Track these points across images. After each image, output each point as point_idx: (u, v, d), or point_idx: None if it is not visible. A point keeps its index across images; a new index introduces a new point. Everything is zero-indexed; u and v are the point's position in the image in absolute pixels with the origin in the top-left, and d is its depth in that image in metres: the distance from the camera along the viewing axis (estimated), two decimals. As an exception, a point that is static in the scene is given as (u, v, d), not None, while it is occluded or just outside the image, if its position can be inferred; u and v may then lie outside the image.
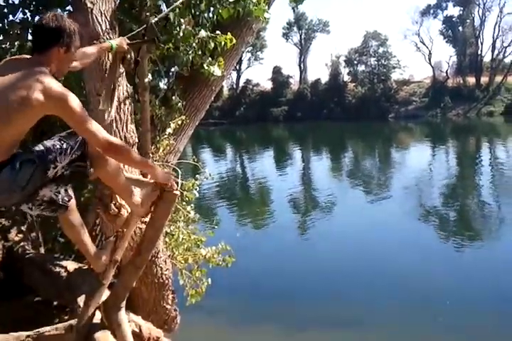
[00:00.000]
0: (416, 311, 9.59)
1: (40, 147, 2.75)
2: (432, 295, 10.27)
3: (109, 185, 3.18)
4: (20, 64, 2.62)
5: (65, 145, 2.80)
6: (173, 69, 6.25)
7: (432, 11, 64.56)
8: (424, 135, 46.07)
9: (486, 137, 41.66)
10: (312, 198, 21.26)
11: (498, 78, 61.06)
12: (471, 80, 62.29)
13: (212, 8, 4.90)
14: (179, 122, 5.79)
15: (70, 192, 3.01)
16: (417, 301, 10.02)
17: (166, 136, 5.65)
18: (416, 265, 12.00)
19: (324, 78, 65.68)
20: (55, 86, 2.51)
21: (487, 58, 64.68)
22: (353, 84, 64.25)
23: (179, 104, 5.82)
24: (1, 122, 2.50)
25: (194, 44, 4.85)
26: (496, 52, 63.41)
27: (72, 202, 3.05)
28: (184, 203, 5.89)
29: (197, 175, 6.40)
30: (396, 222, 16.14)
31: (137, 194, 3.20)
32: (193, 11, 4.78)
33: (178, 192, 3.17)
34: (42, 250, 5.98)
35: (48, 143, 2.78)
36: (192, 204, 5.98)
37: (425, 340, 8.73)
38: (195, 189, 6.01)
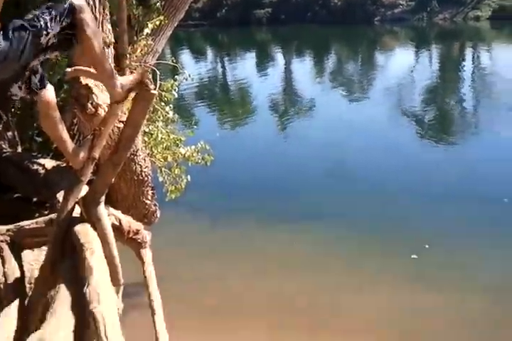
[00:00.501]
0: (394, 207, 9.97)
1: (29, 16, 2.70)
2: (407, 192, 10.65)
3: (93, 59, 3.08)
4: None
5: (54, 12, 2.73)
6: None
7: None
8: (409, 39, 45.27)
9: (470, 42, 41.05)
10: (293, 100, 21.22)
11: (488, -19, 59.15)
12: (459, -16, 60.28)
13: None
14: (157, 22, 5.66)
15: (46, 81, 2.98)
16: (394, 198, 10.38)
17: (143, 37, 5.55)
18: (393, 164, 12.35)
19: (309, -22, 63.01)
20: None
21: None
22: (339, -15, 61.83)
23: (157, 3, 5.66)
24: None
25: None
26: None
27: (50, 94, 3.04)
28: (163, 103, 5.88)
29: (176, 76, 6.34)
30: (375, 123, 16.30)
31: (118, 77, 3.17)
32: None
33: (155, 92, 3.16)
34: (19, 149, 6.00)
35: (37, 11, 2.73)
36: (171, 105, 5.98)
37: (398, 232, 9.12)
38: (174, 89, 5.97)
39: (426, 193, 10.51)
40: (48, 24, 2.67)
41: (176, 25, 6.40)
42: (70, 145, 3.31)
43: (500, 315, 6.95)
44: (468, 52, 36.17)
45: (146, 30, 5.60)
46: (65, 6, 2.74)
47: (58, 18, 2.71)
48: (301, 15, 57.56)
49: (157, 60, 6.41)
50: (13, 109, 6.25)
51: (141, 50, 5.68)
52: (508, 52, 32.65)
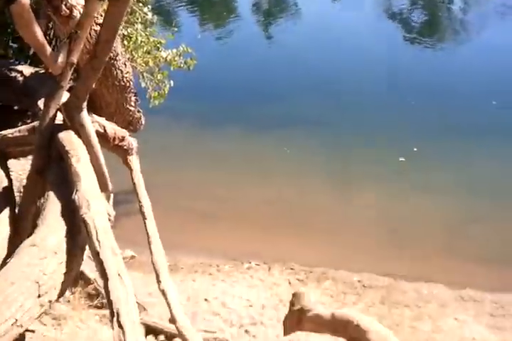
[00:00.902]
0: (381, 111, 9.93)
1: None
2: (395, 96, 10.58)
3: None
4: None
5: None
6: None
7: None
8: None
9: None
10: (278, 1, 20.38)
11: None
12: None
13: None
14: None
15: None
16: (381, 102, 10.32)
17: None
18: (379, 67, 12.12)
19: None
20: None
21: None
22: None
23: None
24: None
25: None
26: None
27: None
28: (141, 4, 5.61)
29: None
30: (361, 24, 15.82)
31: None
32: None
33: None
34: (-6, 54, 5.77)
35: None
36: (149, 6, 5.71)
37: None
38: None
39: (414, 97, 10.43)
40: None
41: None
42: (48, 49, 3.18)
43: (482, 214, 7.18)
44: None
45: None
46: None
47: None
48: None
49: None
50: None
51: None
52: None
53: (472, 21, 16.23)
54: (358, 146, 8.81)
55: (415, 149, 8.59)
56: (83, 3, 3.89)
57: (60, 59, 3.13)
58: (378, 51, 12.97)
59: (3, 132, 3.39)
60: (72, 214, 2.51)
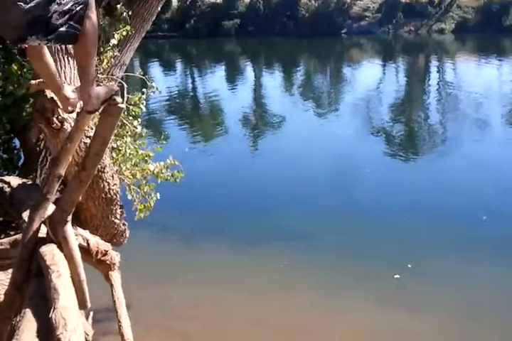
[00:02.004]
0: (369, 227, 9.95)
1: None
2: (383, 211, 10.67)
3: (81, 61, 2.95)
4: None
5: None
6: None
7: None
8: (375, 51, 45.99)
9: (435, 55, 41.95)
10: (263, 114, 21.27)
11: (451, -6, 60.57)
12: (425, -5, 61.60)
13: None
14: (124, 33, 5.54)
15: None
16: (370, 217, 10.39)
17: (109, 48, 5.42)
18: (365, 182, 12.36)
19: (277, -10, 63.59)
20: None
21: (441, -27, 63.61)
22: (307, -3, 62.62)
23: (124, 13, 5.54)
24: None
25: None
26: (450, -35, 62.33)
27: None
28: (131, 118, 5.76)
29: (144, 89, 6.24)
30: (346, 137, 16.41)
31: (96, 87, 3.06)
32: None
33: (123, 106, 3.06)
34: (-17, 167, 5.83)
35: None
36: (139, 119, 5.87)
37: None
38: (142, 103, 5.86)
39: (403, 211, 10.54)
40: None
41: (143, 36, 6.31)
42: (60, 84, 3.18)
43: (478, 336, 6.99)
44: (434, 65, 36.90)
45: (113, 41, 5.48)
46: None
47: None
48: (269, 26, 58.01)
49: (125, 72, 6.30)
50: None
51: (108, 62, 5.56)
52: (471, 65, 33.40)
53: (452, 135, 16.93)
54: (351, 262, 8.72)
55: (409, 266, 8.52)
56: (75, 116, 3.99)
57: (73, 95, 3.13)
58: (363, 166, 13.31)
59: (-15, 245, 3.31)
60: (48, 333, 2.40)
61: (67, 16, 2.61)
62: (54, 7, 2.55)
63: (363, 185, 11.98)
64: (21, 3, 2.46)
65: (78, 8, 2.64)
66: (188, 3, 62.65)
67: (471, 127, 17.50)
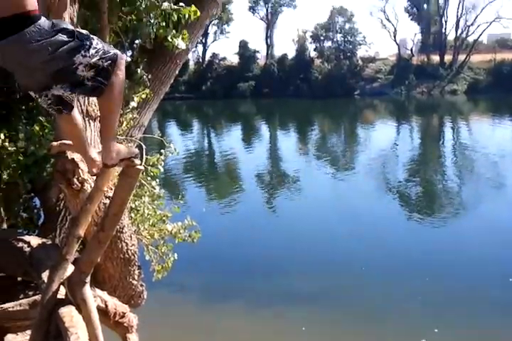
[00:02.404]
0: (391, 290, 9.74)
1: (82, 30, 2.70)
2: (407, 274, 10.45)
3: (105, 115, 3.01)
4: None
5: (102, 46, 2.70)
6: (137, 42, 6.14)
7: (397, -12, 64.67)
8: (388, 112, 46.56)
9: (449, 115, 42.33)
10: (279, 173, 21.37)
11: (462, 56, 61.79)
12: (436, 58, 62.93)
13: (176, -20, 4.77)
14: (143, 96, 5.70)
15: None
16: (381, 275, 10.20)
17: (129, 110, 5.56)
18: (379, 239, 12.21)
19: (291, 54, 65.56)
20: None
21: (451, 36, 65.32)
22: (320, 60, 64.24)
23: (143, 77, 5.71)
24: None
25: (157, 16, 4.75)
26: (460, 30, 64.08)
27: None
28: (149, 178, 5.83)
29: (162, 150, 6.34)
30: (360, 197, 16.35)
31: (117, 144, 3.12)
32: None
33: (141, 167, 3.12)
34: (4, 225, 5.88)
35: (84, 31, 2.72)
36: (157, 180, 5.93)
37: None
38: (160, 164, 5.94)
39: (426, 274, 10.31)
40: (92, 49, 2.64)
41: (161, 98, 6.47)
42: (87, 148, 3.21)
43: None
44: (447, 126, 37.18)
45: (132, 104, 5.62)
46: (114, 50, 2.75)
47: (101, 53, 2.69)
48: (283, 88, 59.30)
49: (143, 133, 6.43)
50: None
51: (127, 124, 5.69)
52: (484, 126, 33.63)
53: (467, 196, 16.82)
54: (377, 325, 8.48)
55: (436, 330, 8.27)
56: (94, 178, 4.05)
57: (98, 157, 3.16)
58: (380, 227, 13.18)
59: (5, 305, 3.30)
60: None
61: (93, 71, 2.70)
62: (79, 59, 2.63)
63: (379, 246, 11.83)
64: (44, 51, 2.56)
65: (106, 64, 2.72)
66: (204, 65, 64.52)
67: (486, 187, 17.40)
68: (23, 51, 2.50)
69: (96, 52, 2.66)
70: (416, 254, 11.40)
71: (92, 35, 2.71)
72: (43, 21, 2.52)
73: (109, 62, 2.70)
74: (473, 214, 14.74)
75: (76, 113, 3.08)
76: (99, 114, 4.32)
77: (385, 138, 29.30)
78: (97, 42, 2.69)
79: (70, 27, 2.62)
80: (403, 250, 11.69)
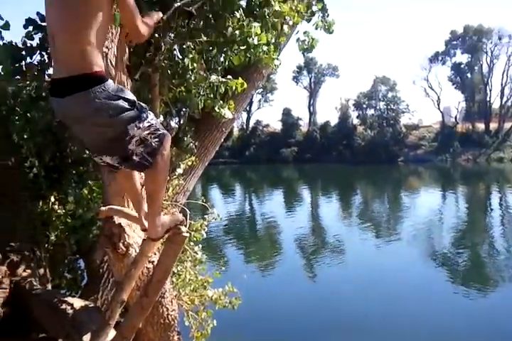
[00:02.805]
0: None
1: (141, 103, 2.83)
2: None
3: (149, 191, 3.09)
4: None
5: (153, 121, 2.83)
6: (184, 109, 6.38)
7: (440, 58, 65.55)
8: (433, 179, 46.04)
9: (496, 183, 41.54)
10: (321, 240, 21.16)
11: (507, 124, 61.39)
12: (480, 126, 62.70)
13: (223, 55, 5.02)
14: (189, 163, 5.86)
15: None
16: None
17: (175, 176, 5.71)
18: (425, 310, 11.84)
19: (333, 121, 66.53)
20: None
21: (496, 104, 65.29)
22: (362, 127, 64.82)
23: (191, 144, 5.90)
24: (65, 19, 2.59)
25: (205, 88, 4.97)
26: (505, 99, 64.05)
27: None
28: (192, 243, 5.90)
29: (205, 216, 6.43)
30: (405, 266, 15.99)
31: (162, 216, 3.20)
32: (205, 56, 4.91)
33: (187, 235, 3.19)
34: (49, 286, 5.99)
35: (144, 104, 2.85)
36: (200, 245, 5.99)
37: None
38: (204, 229, 6.02)
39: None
40: (146, 122, 2.78)
41: (206, 164, 6.63)
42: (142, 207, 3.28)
43: None
44: (494, 194, 36.41)
45: (179, 171, 5.78)
46: (163, 130, 2.88)
47: (153, 129, 2.82)
48: (325, 154, 59.72)
49: (188, 198, 6.56)
50: (46, 245, 6.36)
51: (173, 190, 5.82)
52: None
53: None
54: None
55: None
56: (139, 242, 4.14)
57: (160, 227, 3.20)
58: (424, 297, 12.80)
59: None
60: None
61: (142, 146, 2.83)
62: (133, 130, 2.77)
63: (422, 318, 11.44)
64: (104, 112, 2.68)
65: (153, 142, 2.85)
66: (248, 132, 65.81)
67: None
68: (85, 107, 2.64)
69: (148, 127, 2.80)
70: (460, 326, 10.97)
71: (149, 110, 2.88)
72: (110, 83, 2.69)
73: (157, 140, 2.84)
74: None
75: (135, 172, 3.21)
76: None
77: (429, 206, 28.84)
78: (152, 118, 2.85)
79: (132, 96, 2.78)
80: (447, 322, 11.27)
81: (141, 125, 2.77)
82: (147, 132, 2.80)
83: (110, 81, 2.72)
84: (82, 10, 2.58)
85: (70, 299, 4.78)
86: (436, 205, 29.82)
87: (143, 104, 2.87)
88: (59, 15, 2.64)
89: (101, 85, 2.63)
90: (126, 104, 2.72)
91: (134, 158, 2.83)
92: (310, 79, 68.43)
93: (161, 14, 3.19)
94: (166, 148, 2.91)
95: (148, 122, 2.80)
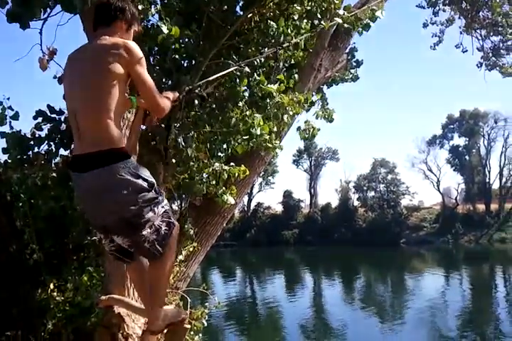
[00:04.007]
0: None
1: (161, 187, 2.85)
2: None
3: (152, 281, 3.05)
4: (85, 48, 2.88)
5: (167, 207, 2.88)
6: (184, 195, 6.42)
7: (437, 141, 66.70)
8: (436, 261, 45.50)
9: (499, 265, 41.02)
10: (324, 325, 20.67)
11: (508, 205, 61.51)
12: (481, 207, 62.80)
13: (226, 143, 5.15)
14: (190, 249, 5.84)
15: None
16: None
17: (177, 263, 5.67)
18: None
19: (334, 203, 66.59)
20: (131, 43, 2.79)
21: (495, 185, 65.68)
22: (363, 209, 64.86)
23: (191, 231, 5.90)
24: (88, 99, 2.71)
25: (209, 175, 5.05)
26: (504, 179, 64.52)
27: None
28: (192, 333, 5.74)
29: (206, 303, 6.30)
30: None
31: (165, 307, 3.15)
32: (208, 145, 5.03)
33: (188, 326, 3.14)
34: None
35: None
36: (200, 334, 5.83)
37: None
38: (204, 318, 5.88)
39: None
40: (161, 207, 2.83)
41: (208, 249, 6.58)
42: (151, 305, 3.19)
43: None
44: (499, 275, 35.89)
45: (180, 257, 5.74)
46: (174, 219, 2.92)
47: (166, 216, 2.86)
48: (327, 236, 59.32)
49: (188, 284, 6.46)
50: (42, 334, 6.18)
51: (174, 277, 5.75)
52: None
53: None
54: None
55: None
56: (139, 333, 4.05)
57: (161, 321, 3.12)
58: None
59: None
60: None
61: (155, 234, 2.83)
62: (148, 213, 2.79)
63: None
64: (122, 188, 2.72)
65: (163, 229, 2.86)
66: (249, 214, 65.76)
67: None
68: (106, 182, 2.71)
69: (163, 212, 2.83)
70: None
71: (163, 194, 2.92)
72: (132, 161, 2.78)
73: (166, 229, 2.86)
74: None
75: (144, 262, 3.18)
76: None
77: (433, 288, 28.36)
78: (166, 203, 2.89)
79: (151, 177, 2.85)
80: None
81: (156, 209, 2.81)
82: (160, 219, 2.83)
83: (132, 158, 2.79)
84: (106, 89, 2.71)
85: None
86: (440, 287, 29.33)
87: (159, 188, 2.92)
88: (81, 96, 2.78)
89: (124, 161, 2.71)
90: (145, 184, 2.77)
91: (146, 245, 2.84)
92: (310, 163, 69.32)
93: (177, 94, 3.30)
94: (175, 238, 2.93)
95: (163, 207, 2.85)
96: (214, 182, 5.15)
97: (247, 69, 4.56)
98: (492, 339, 17.84)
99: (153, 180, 2.85)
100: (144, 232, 2.80)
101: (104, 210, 2.83)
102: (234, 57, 4.82)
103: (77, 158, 2.81)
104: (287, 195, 66.07)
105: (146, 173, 2.83)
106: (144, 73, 2.82)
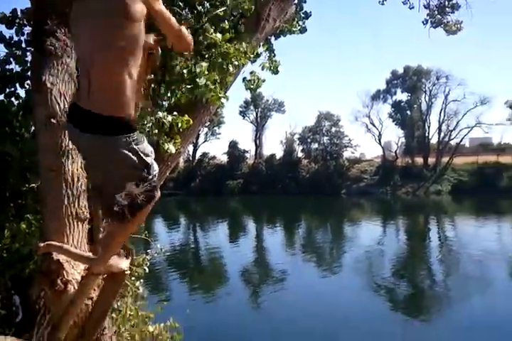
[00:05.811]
0: None
1: (156, 167, 2.81)
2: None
3: (114, 238, 3.07)
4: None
5: (155, 183, 2.82)
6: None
7: (381, 96, 67.51)
8: (375, 212, 46.94)
9: (434, 215, 42.74)
10: (265, 271, 21.18)
11: (445, 159, 63.57)
12: (419, 160, 64.70)
13: (170, 92, 5.07)
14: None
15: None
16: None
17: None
18: (364, 336, 12.00)
19: (279, 154, 67.19)
20: None
21: (434, 140, 67.54)
22: (307, 160, 65.75)
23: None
24: (104, 51, 2.49)
25: (151, 123, 4.99)
26: (442, 134, 66.35)
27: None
28: (133, 278, 5.82)
29: (148, 250, 6.38)
30: (346, 295, 16.19)
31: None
32: (151, 93, 4.96)
33: (127, 271, 3.19)
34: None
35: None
36: (141, 280, 5.92)
37: None
38: (146, 264, 5.97)
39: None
40: (147, 181, 2.76)
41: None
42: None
43: None
44: (433, 225, 37.46)
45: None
46: (157, 192, 2.88)
47: (149, 188, 2.78)
48: (271, 186, 60.07)
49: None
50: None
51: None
52: (470, 225, 33.93)
53: (455, 293, 16.66)
54: None
55: None
56: (78, 279, 4.07)
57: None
58: (363, 326, 12.98)
59: None
60: None
61: (129, 200, 2.77)
62: (131, 187, 2.73)
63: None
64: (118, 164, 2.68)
65: (140, 198, 2.80)
66: (194, 164, 65.61)
67: (473, 285, 17.29)
68: (104, 153, 2.65)
69: (147, 187, 2.76)
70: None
71: (156, 167, 2.84)
72: (136, 135, 2.66)
73: (145, 200, 2.81)
74: (458, 314, 14.58)
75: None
76: (88, 216, 4.43)
77: (371, 237, 29.39)
78: (154, 180, 2.83)
79: (149, 156, 2.75)
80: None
81: (140, 184, 2.74)
82: (142, 191, 2.78)
83: (137, 132, 2.68)
84: (128, 28, 2.50)
85: (2, 338, 4.62)
86: (377, 236, 30.40)
87: (155, 166, 2.84)
88: (98, 45, 2.54)
89: (129, 135, 2.61)
90: (141, 164, 2.70)
91: (115, 208, 2.81)
92: (256, 114, 69.19)
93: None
94: (149, 208, 2.90)
95: (149, 181, 2.76)
96: (156, 131, 5.11)
97: (189, 16, 4.47)
98: (422, 282, 18.77)
99: (150, 160, 2.76)
100: (119, 198, 2.76)
101: (94, 172, 2.88)
102: (180, 3, 4.70)
103: (80, 111, 2.63)
104: (233, 145, 66.12)
105: (145, 148, 2.72)
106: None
